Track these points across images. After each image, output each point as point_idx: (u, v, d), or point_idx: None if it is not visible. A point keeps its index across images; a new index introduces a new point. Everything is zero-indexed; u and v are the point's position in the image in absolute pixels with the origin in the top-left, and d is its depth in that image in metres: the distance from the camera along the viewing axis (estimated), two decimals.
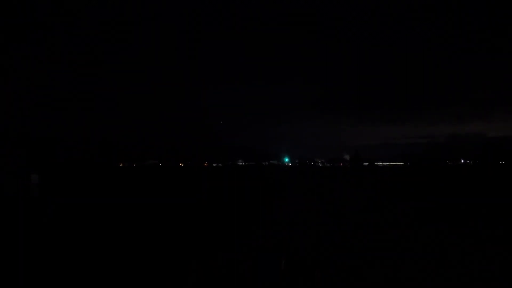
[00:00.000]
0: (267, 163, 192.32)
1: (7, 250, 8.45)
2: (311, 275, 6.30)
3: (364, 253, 7.97)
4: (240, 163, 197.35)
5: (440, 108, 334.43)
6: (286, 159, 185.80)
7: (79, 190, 26.08)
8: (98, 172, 65.31)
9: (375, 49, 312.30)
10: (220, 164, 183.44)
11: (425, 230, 10.35)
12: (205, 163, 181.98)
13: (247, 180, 38.72)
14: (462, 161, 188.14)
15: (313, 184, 32.44)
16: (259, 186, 29.84)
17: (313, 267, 6.71)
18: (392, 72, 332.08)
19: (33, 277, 6.44)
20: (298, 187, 28.18)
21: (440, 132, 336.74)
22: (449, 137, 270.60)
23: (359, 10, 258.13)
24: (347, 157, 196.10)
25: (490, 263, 7.11)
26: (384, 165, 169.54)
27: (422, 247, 8.47)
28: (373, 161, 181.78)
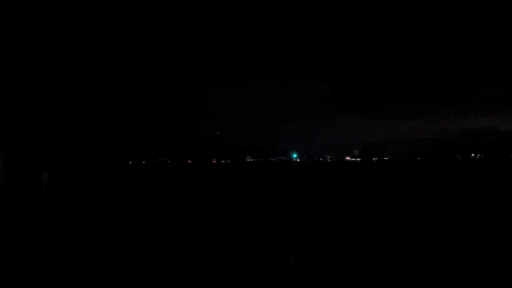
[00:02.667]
0: (275, 159, 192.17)
1: (16, 247, 8.52)
2: None
3: None
4: (248, 160, 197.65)
5: (450, 103, 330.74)
6: (295, 155, 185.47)
7: (89, 188, 26.31)
8: (108, 170, 65.86)
9: (385, 45, 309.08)
10: (228, 161, 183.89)
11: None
12: (213, 160, 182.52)
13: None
14: (473, 155, 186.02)
15: (317, 180, 32.04)
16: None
17: None
18: (402, 68, 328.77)
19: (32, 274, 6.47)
20: (300, 186, 24.52)
21: (451, 127, 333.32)
22: (460, 132, 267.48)
23: (369, 6, 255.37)
24: (356, 152, 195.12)
25: None
26: (393, 159, 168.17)
27: None
28: (382, 156, 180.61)
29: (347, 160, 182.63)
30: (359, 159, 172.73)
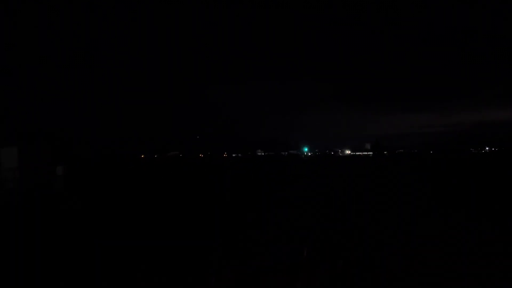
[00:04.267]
0: (286, 153, 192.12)
1: (29, 238, 9.20)
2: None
3: None
4: (259, 153, 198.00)
5: (464, 96, 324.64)
6: (306, 149, 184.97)
7: (102, 181, 27.14)
8: (121, 164, 67.15)
9: (398, 37, 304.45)
10: (239, 155, 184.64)
11: None
12: (224, 154, 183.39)
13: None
14: (487, 148, 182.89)
15: (325, 177, 32.36)
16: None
17: None
18: (415, 61, 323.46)
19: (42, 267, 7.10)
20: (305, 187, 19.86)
21: (465, 120, 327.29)
22: (474, 125, 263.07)
23: None
24: (368, 146, 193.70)
25: None
26: (405, 153, 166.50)
27: None
28: (394, 149, 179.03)
29: (359, 154, 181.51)
30: (371, 153, 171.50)
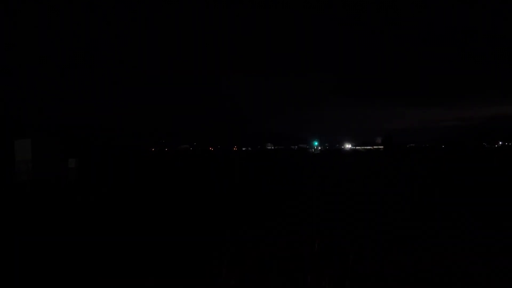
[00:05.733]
0: (296, 147, 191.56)
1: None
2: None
3: None
4: (269, 147, 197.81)
5: (477, 90, 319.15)
6: (316, 143, 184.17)
7: (114, 173, 27.47)
8: (132, 157, 67.81)
9: (408, 31, 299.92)
10: (249, 148, 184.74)
11: None
12: (234, 147, 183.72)
13: None
14: (501, 143, 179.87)
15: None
16: None
17: None
18: (426, 54, 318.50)
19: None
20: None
21: (477, 115, 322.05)
22: (487, 119, 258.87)
23: None
24: (379, 140, 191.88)
25: None
26: (417, 147, 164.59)
27: None
28: (405, 144, 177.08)
29: (370, 148, 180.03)
30: (382, 147, 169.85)
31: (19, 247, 7.21)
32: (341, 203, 12.14)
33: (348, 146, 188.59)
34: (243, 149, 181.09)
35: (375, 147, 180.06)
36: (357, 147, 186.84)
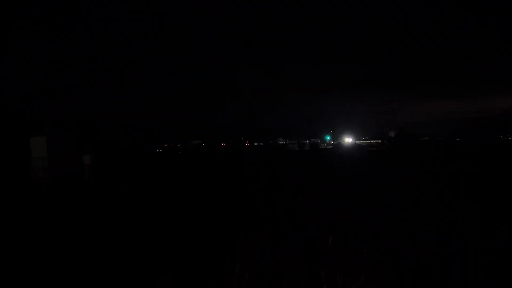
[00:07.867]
0: (308, 141, 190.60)
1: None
2: None
3: None
4: (280, 142, 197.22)
5: (492, 82, 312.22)
6: (328, 138, 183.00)
7: (128, 169, 27.80)
8: (146, 153, 68.56)
9: (423, 21, 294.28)
10: (261, 143, 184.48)
11: None
12: (246, 143, 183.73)
13: None
14: None
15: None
16: None
17: None
18: (441, 46, 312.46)
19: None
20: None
21: (493, 107, 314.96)
22: (503, 111, 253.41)
23: None
24: (392, 134, 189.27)
25: None
26: (430, 140, 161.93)
27: None
28: (419, 137, 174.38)
29: (382, 142, 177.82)
30: (386, 141, 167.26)
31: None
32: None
33: (348, 140, 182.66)
34: (255, 144, 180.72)
35: (379, 141, 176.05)
36: (357, 141, 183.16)
